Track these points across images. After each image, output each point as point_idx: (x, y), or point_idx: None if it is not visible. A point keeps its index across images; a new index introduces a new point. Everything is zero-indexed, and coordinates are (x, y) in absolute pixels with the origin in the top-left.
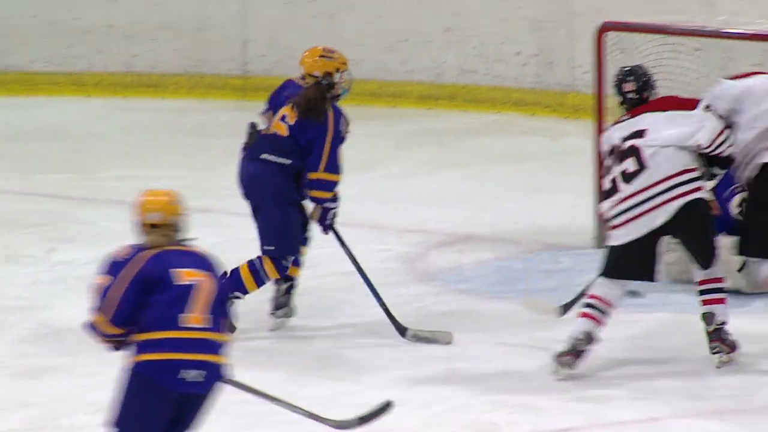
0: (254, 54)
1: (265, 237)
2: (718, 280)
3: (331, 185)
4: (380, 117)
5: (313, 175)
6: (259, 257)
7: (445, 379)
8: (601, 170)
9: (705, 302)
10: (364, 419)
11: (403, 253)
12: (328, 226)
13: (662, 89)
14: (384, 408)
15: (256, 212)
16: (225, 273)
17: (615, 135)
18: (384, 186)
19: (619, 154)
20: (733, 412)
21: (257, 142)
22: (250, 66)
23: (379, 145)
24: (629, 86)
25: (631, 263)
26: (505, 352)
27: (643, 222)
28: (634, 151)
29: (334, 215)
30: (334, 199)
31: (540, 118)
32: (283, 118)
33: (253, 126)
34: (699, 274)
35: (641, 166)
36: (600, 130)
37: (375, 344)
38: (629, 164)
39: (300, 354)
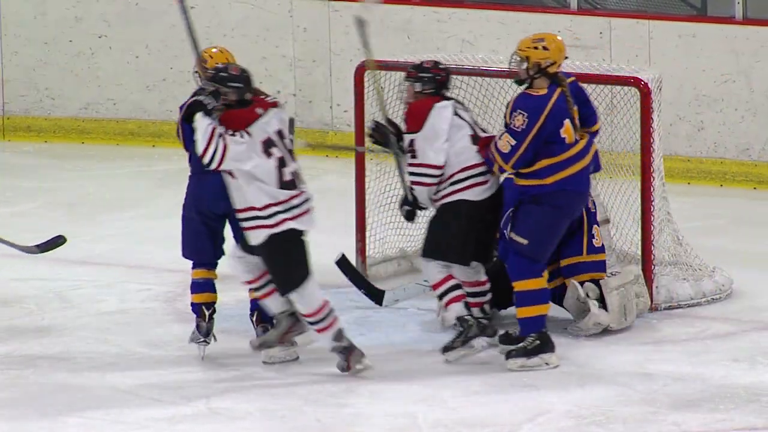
0: (13, 94)
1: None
2: None
3: None
4: (140, 156)
5: None
6: None
7: (199, 416)
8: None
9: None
10: (43, 248)
11: (162, 293)
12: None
13: None
14: (59, 241)
15: (230, 218)
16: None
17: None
18: (144, 225)
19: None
20: None
21: None
22: (9, 106)
23: (139, 185)
24: None
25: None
26: (263, 392)
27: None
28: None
29: None
30: None
31: (300, 156)
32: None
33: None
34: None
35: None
36: (360, 169)
37: None
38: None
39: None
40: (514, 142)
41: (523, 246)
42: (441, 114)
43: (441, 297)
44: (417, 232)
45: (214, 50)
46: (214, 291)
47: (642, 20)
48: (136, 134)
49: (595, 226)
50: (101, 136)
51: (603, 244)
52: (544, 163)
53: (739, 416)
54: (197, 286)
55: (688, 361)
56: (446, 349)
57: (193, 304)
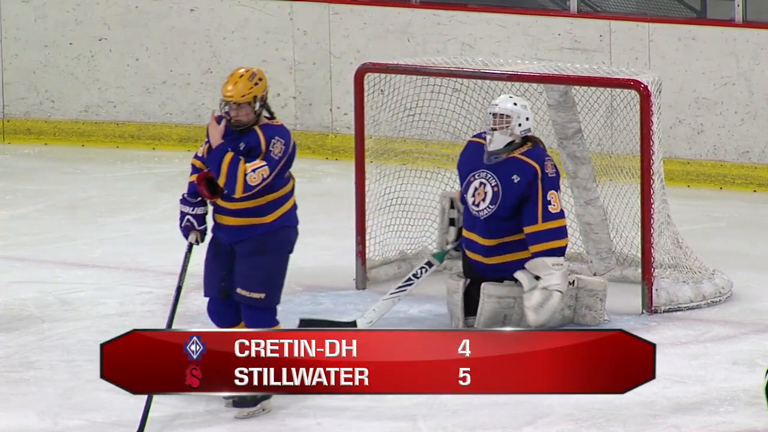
0: (13, 97)
1: None
2: None
3: None
4: (139, 159)
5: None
6: None
7: (207, 417)
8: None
9: None
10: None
11: (163, 296)
12: None
13: (421, 130)
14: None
15: None
16: None
17: None
18: (143, 228)
19: None
20: None
21: None
22: (10, 109)
23: (139, 188)
24: None
25: None
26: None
27: None
28: None
29: None
30: None
31: (299, 159)
32: None
33: None
34: None
35: None
36: (360, 171)
37: None
38: None
39: None
40: (269, 172)
41: (260, 300)
42: None
43: None
44: (417, 234)
45: None
46: None
47: (642, 23)
48: (136, 137)
49: (552, 191)
50: (101, 138)
51: (562, 210)
52: (268, 198)
53: (739, 419)
54: None
55: (688, 364)
56: None
57: None
